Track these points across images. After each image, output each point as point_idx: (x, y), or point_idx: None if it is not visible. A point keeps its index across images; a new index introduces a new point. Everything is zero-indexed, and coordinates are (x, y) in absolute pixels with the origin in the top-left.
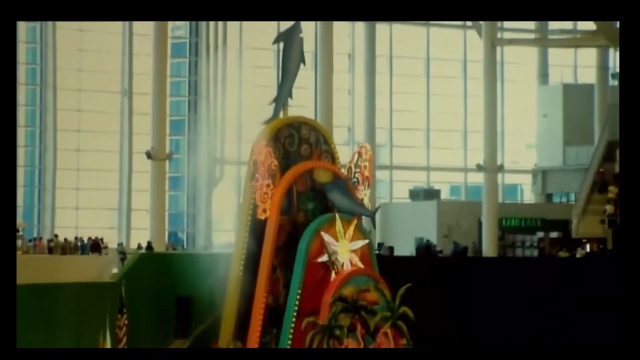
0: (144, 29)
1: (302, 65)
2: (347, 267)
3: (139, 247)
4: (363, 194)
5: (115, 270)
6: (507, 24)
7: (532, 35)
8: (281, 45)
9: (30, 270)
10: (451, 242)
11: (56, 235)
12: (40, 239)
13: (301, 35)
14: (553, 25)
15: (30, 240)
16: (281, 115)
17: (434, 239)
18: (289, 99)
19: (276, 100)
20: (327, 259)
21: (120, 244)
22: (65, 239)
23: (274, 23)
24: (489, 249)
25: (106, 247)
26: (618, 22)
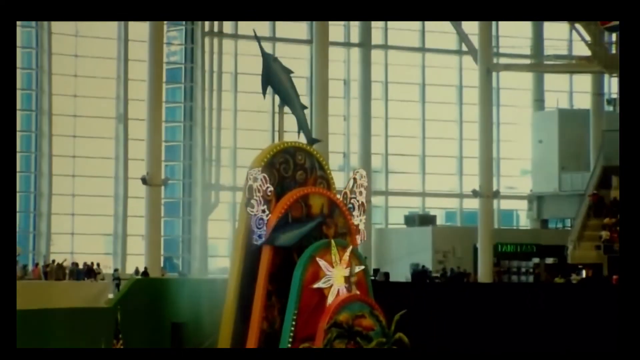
0: (139, 53)
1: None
2: (342, 293)
3: (137, 272)
4: (358, 219)
5: (110, 296)
6: (503, 50)
7: (527, 61)
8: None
9: (24, 295)
10: (445, 268)
11: (53, 261)
12: (37, 265)
13: (273, 58)
14: (548, 50)
15: (24, 266)
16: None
17: (429, 265)
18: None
19: (302, 128)
20: (324, 284)
21: (115, 270)
22: (58, 264)
23: (269, 46)
24: (484, 274)
25: (100, 273)
26: (613, 48)
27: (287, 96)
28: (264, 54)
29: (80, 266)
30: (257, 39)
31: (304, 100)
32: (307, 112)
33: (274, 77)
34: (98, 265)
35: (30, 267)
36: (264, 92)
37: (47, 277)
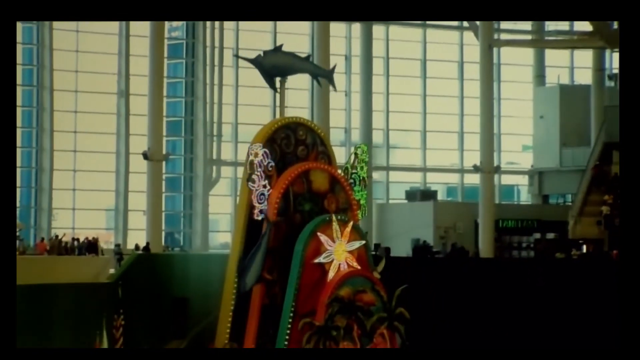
0: (141, 30)
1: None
2: (344, 268)
3: (137, 247)
4: (360, 194)
5: (112, 271)
6: (504, 25)
7: (528, 37)
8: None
9: (27, 271)
10: (446, 244)
11: (57, 236)
12: (42, 239)
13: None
14: (550, 26)
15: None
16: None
17: (430, 240)
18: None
19: (315, 77)
20: (325, 259)
21: (117, 245)
22: (57, 238)
23: (270, 23)
24: (485, 250)
25: (101, 250)
26: (615, 24)
27: (291, 70)
28: (252, 62)
29: (82, 241)
30: (240, 58)
31: (306, 78)
32: (307, 88)
33: (273, 71)
34: (96, 240)
35: (31, 243)
36: (273, 88)
37: (49, 252)
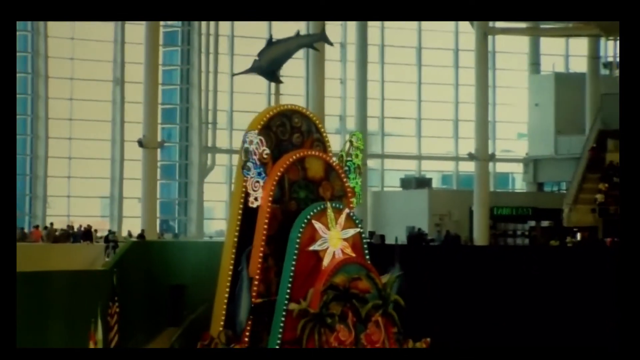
0: None
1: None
2: (339, 256)
3: (130, 235)
4: (355, 182)
5: (107, 259)
6: None
7: (524, 25)
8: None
9: (22, 258)
10: (440, 231)
11: (51, 224)
12: (37, 227)
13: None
14: None
15: (21, 229)
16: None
17: (425, 228)
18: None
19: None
20: (320, 247)
21: (113, 232)
22: (50, 226)
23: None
24: (480, 237)
25: (96, 237)
26: None
27: (288, 56)
28: (250, 71)
29: (76, 229)
30: (235, 74)
31: (301, 65)
32: (303, 75)
33: (273, 66)
34: (90, 227)
35: (27, 230)
36: (277, 81)
37: (44, 239)
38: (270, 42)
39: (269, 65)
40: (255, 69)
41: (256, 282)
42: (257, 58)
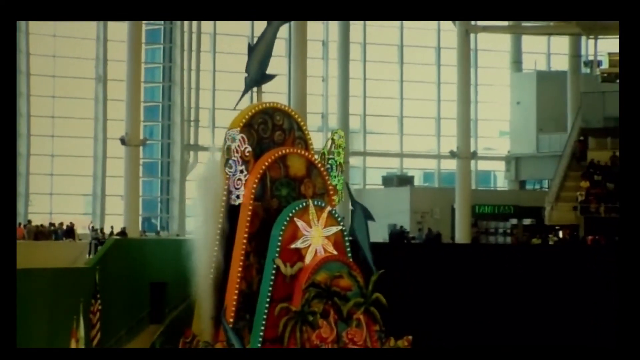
0: None
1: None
2: (320, 254)
3: (112, 232)
4: (336, 180)
5: (89, 256)
6: None
7: (505, 23)
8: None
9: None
10: (422, 229)
11: (29, 221)
12: (19, 224)
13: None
14: None
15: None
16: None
17: (407, 226)
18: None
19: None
20: (302, 244)
21: (95, 230)
22: (29, 223)
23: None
24: (461, 235)
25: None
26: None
27: (269, 53)
28: (251, 87)
29: (57, 226)
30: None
31: (283, 63)
32: (285, 73)
33: (262, 69)
34: (72, 225)
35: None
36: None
37: (25, 237)
38: (250, 49)
39: (257, 73)
40: (250, 86)
41: (238, 281)
42: (246, 75)
